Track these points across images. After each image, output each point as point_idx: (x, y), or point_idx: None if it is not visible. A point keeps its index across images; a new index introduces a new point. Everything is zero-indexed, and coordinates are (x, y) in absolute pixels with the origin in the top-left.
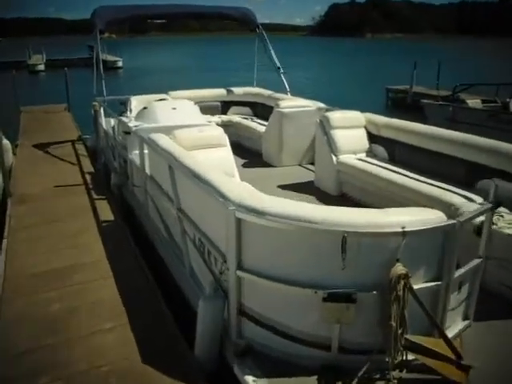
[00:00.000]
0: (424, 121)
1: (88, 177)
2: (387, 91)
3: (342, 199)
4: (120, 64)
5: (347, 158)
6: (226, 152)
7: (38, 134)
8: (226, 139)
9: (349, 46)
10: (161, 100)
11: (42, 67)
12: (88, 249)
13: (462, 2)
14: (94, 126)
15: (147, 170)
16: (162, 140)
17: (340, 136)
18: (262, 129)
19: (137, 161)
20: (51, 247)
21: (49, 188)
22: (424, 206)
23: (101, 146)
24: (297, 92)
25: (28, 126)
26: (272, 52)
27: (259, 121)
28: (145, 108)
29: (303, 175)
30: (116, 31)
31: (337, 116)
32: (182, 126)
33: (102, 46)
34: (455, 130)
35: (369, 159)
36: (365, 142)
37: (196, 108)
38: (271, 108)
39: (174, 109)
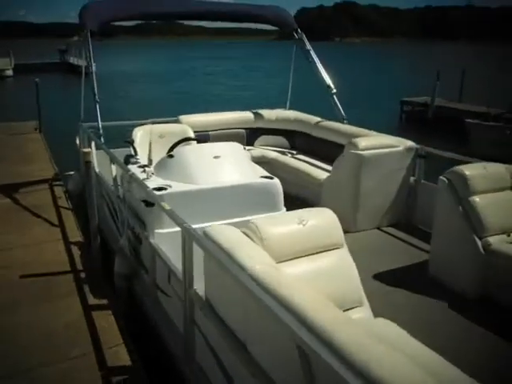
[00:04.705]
0: (465, 143)
1: (75, 253)
2: (402, 104)
3: (486, 306)
4: (93, 69)
5: (501, 244)
6: (345, 256)
7: None
8: (341, 233)
9: (321, 50)
10: (189, 140)
11: (9, 72)
12: None
13: (428, 7)
14: (84, 173)
15: (199, 290)
16: (242, 251)
17: (486, 206)
18: (321, 174)
19: (168, 255)
20: None
21: (9, 280)
22: None
23: (93, 204)
24: (280, 102)
25: None
26: (318, 63)
27: (303, 157)
28: (170, 156)
29: (395, 250)
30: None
31: (477, 173)
32: (238, 188)
33: (73, 49)
34: None
35: None
36: None
37: (247, 154)
38: (319, 141)
39: (217, 158)
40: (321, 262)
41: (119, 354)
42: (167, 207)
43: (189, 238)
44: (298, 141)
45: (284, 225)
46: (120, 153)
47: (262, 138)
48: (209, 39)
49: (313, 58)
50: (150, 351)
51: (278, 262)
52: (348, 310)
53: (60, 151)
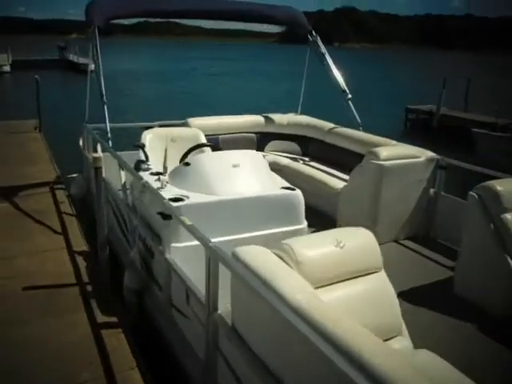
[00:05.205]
0: (472, 152)
1: (80, 264)
2: (407, 111)
3: None
4: (92, 67)
5: None
6: (384, 280)
7: None
8: (379, 255)
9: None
10: (202, 146)
11: (7, 68)
12: None
13: (428, 15)
14: (93, 180)
15: (223, 312)
16: (278, 277)
17: None
18: (337, 183)
19: (185, 270)
20: None
21: (12, 291)
22: None
23: (102, 214)
24: (286, 106)
25: None
26: (333, 67)
27: (317, 165)
28: (186, 164)
29: (416, 265)
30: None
31: (509, 189)
32: (259, 199)
33: (72, 46)
34: None
35: None
36: None
37: (266, 164)
38: (333, 148)
39: (236, 166)
40: (360, 287)
41: (132, 379)
42: (188, 222)
43: (214, 258)
44: (311, 147)
45: (320, 247)
46: (127, 156)
47: (273, 144)
48: (206, 40)
49: (327, 62)
50: (163, 371)
51: (314, 288)
52: (388, 339)
53: (61, 152)
